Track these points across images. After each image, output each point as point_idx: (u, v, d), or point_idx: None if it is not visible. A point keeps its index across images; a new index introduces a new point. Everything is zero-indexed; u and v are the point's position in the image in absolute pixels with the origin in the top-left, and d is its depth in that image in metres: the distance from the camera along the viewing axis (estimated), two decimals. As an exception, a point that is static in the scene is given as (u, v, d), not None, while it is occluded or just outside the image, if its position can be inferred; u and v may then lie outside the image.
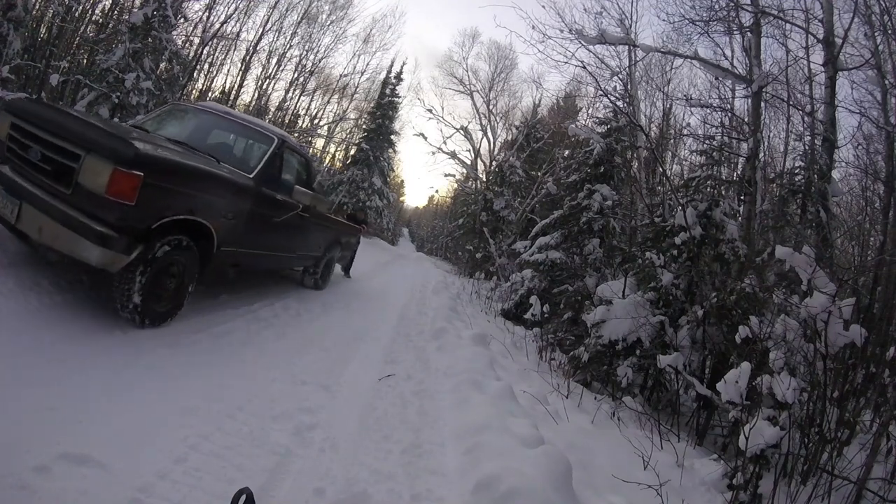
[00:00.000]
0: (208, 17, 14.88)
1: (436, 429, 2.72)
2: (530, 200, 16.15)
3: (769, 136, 9.78)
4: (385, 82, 22.50)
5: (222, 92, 18.38)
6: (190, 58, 14.20)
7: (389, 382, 3.35)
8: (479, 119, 22.99)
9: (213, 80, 17.65)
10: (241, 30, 16.40)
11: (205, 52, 15.53)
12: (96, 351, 2.46)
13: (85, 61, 12.45)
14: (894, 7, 5.80)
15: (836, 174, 7.44)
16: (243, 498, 0.94)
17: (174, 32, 11.93)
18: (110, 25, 12.90)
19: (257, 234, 3.98)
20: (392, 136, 22.72)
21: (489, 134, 22.98)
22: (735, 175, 9.00)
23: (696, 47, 7.88)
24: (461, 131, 22.49)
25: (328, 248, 5.96)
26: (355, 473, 2.06)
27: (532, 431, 2.71)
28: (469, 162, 23.29)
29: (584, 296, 6.81)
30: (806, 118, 7.69)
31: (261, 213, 3.86)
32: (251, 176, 3.70)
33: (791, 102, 7.68)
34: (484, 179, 21.39)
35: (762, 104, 7.27)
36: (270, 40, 17.37)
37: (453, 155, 22.20)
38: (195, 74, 15.56)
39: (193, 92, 16.43)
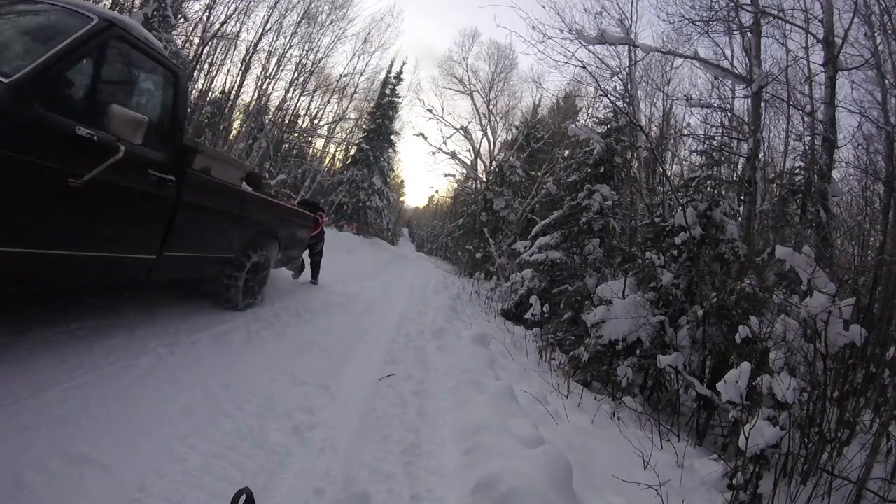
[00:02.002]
0: (208, 17, 14.91)
1: (436, 429, 2.72)
2: (530, 200, 16.17)
3: (769, 136, 9.81)
4: (385, 82, 22.56)
5: (222, 92, 18.41)
6: (190, 58, 14.21)
7: (389, 382, 3.34)
8: (479, 119, 23.04)
9: (213, 80, 17.68)
10: (241, 30, 16.43)
11: (205, 52, 15.55)
12: (96, 351, 2.46)
13: (85, 61, 12.42)
14: (894, 7, 5.81)
15: (836, 174, 7.47)
16: (243, 498, 0.94)
17: (174, 32, 11.96)
18: (110, 25, 12.86)
19: (34, 213, 2.01)
20: (392, 136, 22.78)
21: (489, 134, 23.03)
22: (735, 175, 9.02)
23: (696, 47, 7.90)
24: (461, 131, 22.52)
25: (252, 247, 3.96)
26: (355, 473, 2.06)
27: (532, 431, 2.71)
28: (469, 162, 23.32)
29: (584, 296, 6.81)
30: (806, 118, 7.71)
31: (32, 164, 1.90)
32: (6, 80, 1.83)
33: (791, 102, 7.69)
34: (484, 179, 21.40)
35: (762, 104, 7.29)
36: (270, 40, 17.41)
37: (453, 155, 22.22)
38: (195, 74, 15.56)
39: (193, 92, 16.44)
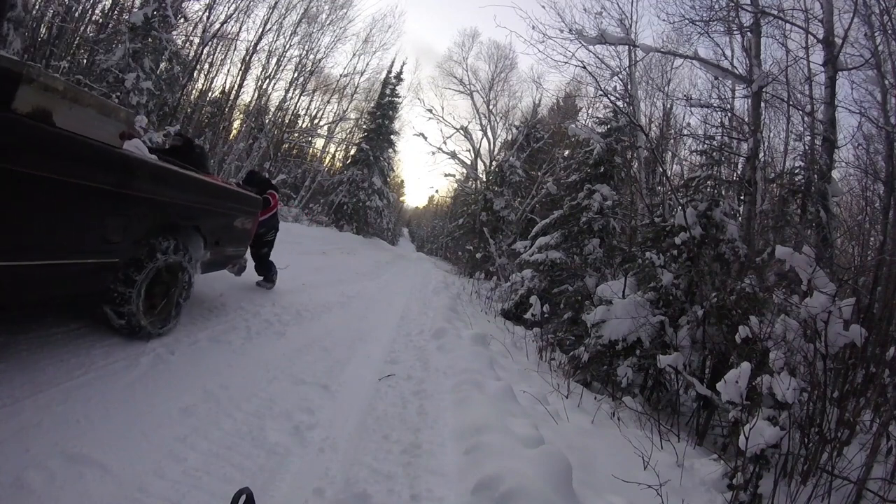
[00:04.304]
0: (208, 17, 14.90)
1: (436, 429, 2.72)
2: (530, 200, 16.17)
3: (769, 136, 9.80)
4: (385, 82, 22.57)
5: (222, 92, 18.41)
6: (190, 58, 14.21)
7: (390, 382, 3.35)
8: (479, 119, 23.04)
9: (213, 80, 17.69)
10: (241, 30, 16.43)
11: (205, 52, 15.54)
12: (96, 351, 2.46)
13: (85, 61, 12.46)
14: (894, 7, 5.80)
15: (836, 174, 7.48)
16: (243, 498, 0.94)
17: (174, 32, 11.96)
18: (110, 25, 12.91)
19: None
20: (392, 136, 22.80)
21: (489, 134, 23.03)
22: (735, 175, 9.01)
23: (696, 47, 7.90)
24: (461, 131, 22.53)
25: (152, 245, 2.70)
26: (355, 473, 2.06)
27: (532, 431, 2.71)
28: (469, 162, 23.33)
29: (584, 296, 6.82)
30: (806, 118, 7.70)
31: None
32: None
33: (791, 102, 7.68)
34: (484, 179, 21.40)
35: (762, 104, 7.28)
36: (270, 40, 17.39)
37: (453, 155, 22.23)
38: (195, 74, 15.57)
39: (193, 92, 16.44)
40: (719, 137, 8.95)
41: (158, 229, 2.74)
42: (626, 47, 9.29)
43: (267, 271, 5.18)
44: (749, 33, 7.12)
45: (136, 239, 2.56)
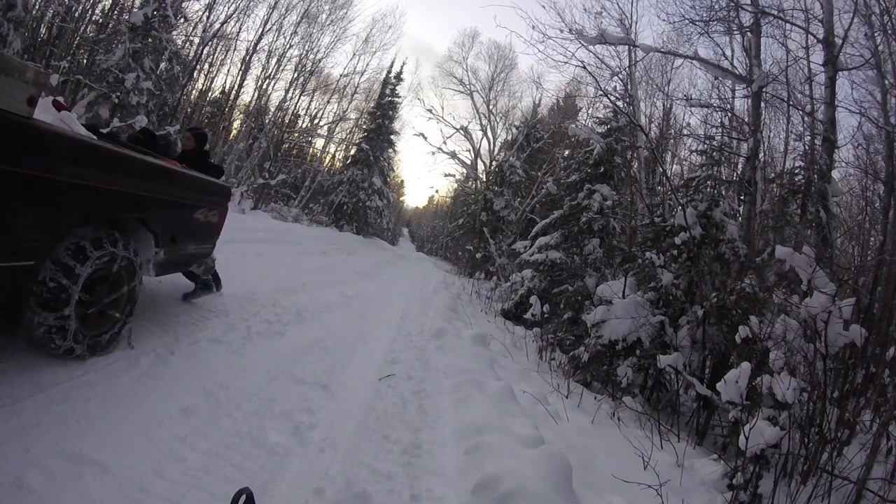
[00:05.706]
0: (208, 17, 14.91)
1: (436, 429, 2.72)
2: (530, 200, 16.18)
3: (769, 136, 9.79)
4: (385, 82, 22.57)
5: (222, 92, 18.42)
6: (190, 58, 14.22)
7: (390, 382, 3.34)
8: (479, 119, 23.03)
9: (213, 80, 17.69)
10: (240, 30, 16.43)
11: (205, 52, 15.56)
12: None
13: (85, 61, 12.46)
14: (894, 7, 5.80)
15: (836, 174, 7.48)
16: (243, 498, 0.94)
17: (174, 32, 11.96)
18: (110, 25, 12.92)
19: None
20: (392, 136, 22.81)
21: (489, 134, 23.03)
22: (735, 175, 9.01)
23: (696, 47, 7.90)
24: (461, 131, 22.52)
25: (81, 245, 2.15)
26: (355, 473, 2.06)
27: (532, 431, 2.71)
28: (469, 162, 23.32)
29: (584, 296, 6.82)
30: (806, 118, 7.70)
31: None
32: None
33: (791, 102, 7.68)
34: (484, 179, 21.40)
35: (762, 104, 7.28)
36: (270, 40, 17.39)
37: (453, 155, 22.23)
38: (195, 74, 15.58)
39: (193, 92, 16.45)
40: (719, 137, 8.96)
41: (89, 223, 2.21)
42: (626, 47, 9.28)
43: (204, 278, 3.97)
44: (749, 33, 7.12)
45: (58, 236, 2.04)
